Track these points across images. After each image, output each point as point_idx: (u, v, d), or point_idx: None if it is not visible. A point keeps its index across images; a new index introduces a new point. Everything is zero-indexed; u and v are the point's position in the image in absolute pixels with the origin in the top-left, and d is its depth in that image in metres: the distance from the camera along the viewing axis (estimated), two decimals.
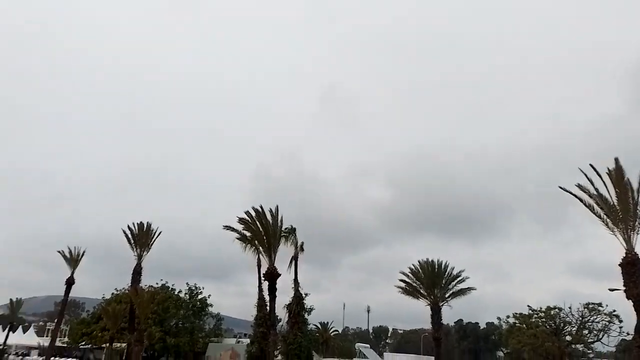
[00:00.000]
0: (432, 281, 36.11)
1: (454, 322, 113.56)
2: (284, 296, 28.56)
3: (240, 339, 51.98)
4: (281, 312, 33.36)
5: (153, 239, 35.05)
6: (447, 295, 35.93)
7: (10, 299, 58.24)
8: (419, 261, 37.08)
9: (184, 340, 46.55)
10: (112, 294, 51.26)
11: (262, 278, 28.12)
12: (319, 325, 52.61)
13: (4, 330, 63.06)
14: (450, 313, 38.01)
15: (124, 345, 37.37)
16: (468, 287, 35.50)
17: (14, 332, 59.19)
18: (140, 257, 34.11)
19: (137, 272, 33.73)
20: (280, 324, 35.32)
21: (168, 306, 47.70)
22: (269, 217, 27.29)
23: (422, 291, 36.63)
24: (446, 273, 36.09)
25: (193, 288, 51.66)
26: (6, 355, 50.78)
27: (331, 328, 56.27)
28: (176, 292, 51.42)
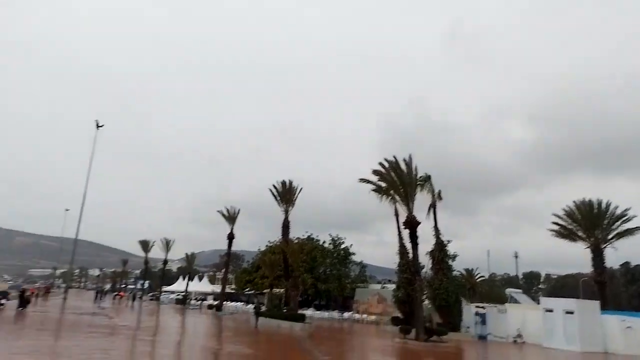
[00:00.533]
0: (591, 222, 33.08)
1: (620, 265, 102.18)
2: (424, 244, 28.58)
3: (385, 285, 53.84)
4: (424, 260, 33.63)
5: (296, 195, 37.54)
6: (610, 237, 32.81)
7: (186, 254, 68.37)
8: (574, 202, 34.12)
9: (333, 285, 49.98)
10: (266, 246, 56.80)
11: (402, 227, 28.35)
12: (464, 272, 51.82)
13: (183, 279, 74.58)
14: (615, 255, 34.49)
15: (282, 290, 41.41)
16: (636, 227, 32.09)
17: (191, 281, 69.70)
18: (286, 212, 36.93)
19: (285, 226, 36.70)
20: (424, 270, 35.65)
21: (315, 255, 51.34)
22: (403, 166, 27.09)
23: (579, 234, 33.78)
24: (608, 212, 32.75)
25: (336, 238, 54.64)
26: (188, 300, 60.10)
27: (477, 274, 55.02)
28: (321, 243, 54.95)
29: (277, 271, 38.20)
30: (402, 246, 32.36)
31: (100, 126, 50.94)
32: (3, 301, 29.71)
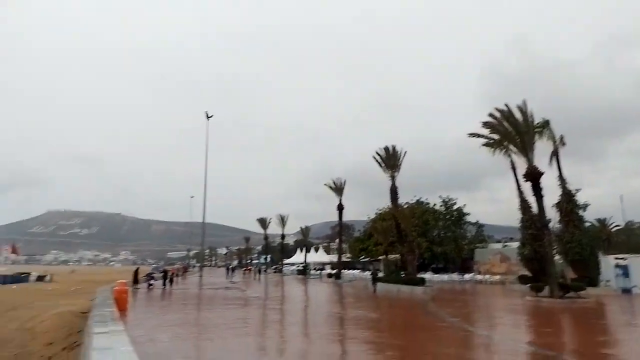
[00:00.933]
0: None
1: None
2: (547, 196, 26.16)
3: (506, 244, 51.01)
4: (549, 213, 30.96)
5: (400, 160, 36.69)
6: None
7: (301, 227, 71.30)
8: None
9: (450, 247, 48.63)
10: (375, 213, 56.90)
11: (523, 179, 26.24)
12: (596, 222, 47.06)
13: (301, 251, 78.10)
14: None
15: (397, 256, 41.29)
16: None
17: (309, 253, 72.71)
18: (393, 178, 36.34)
19: (393, 192, 36.19)
20: (551, 224, 32.89)
21: (427, 219, 50.21)
22: (517, 114, 24.87)
23: None
24: None
25: (447, 200, 52.79)
26: (308, 270, 62.82)
27: (611, 223, 49.67)
28: (431, 206, 53.53)
29: (390, 237, 38.05)
30: (523, 201, 30.09)
31: (210, 116, 54.33)
32: (152, 281, 33.54)
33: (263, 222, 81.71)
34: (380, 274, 38.20)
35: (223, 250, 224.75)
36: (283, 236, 75.88)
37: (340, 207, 48.56)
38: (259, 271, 69.48)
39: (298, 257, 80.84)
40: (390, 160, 36.63)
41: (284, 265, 77.28)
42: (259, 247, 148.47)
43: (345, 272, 50.96)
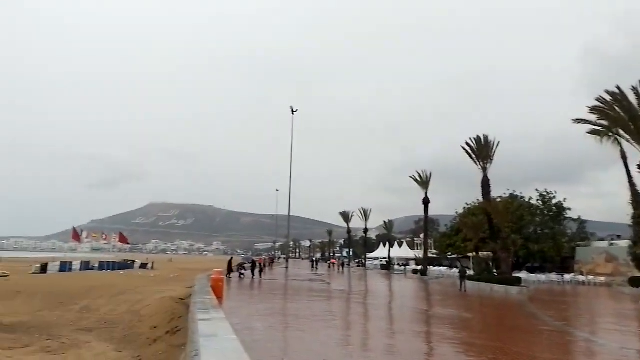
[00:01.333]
0: None
1: None
2: None
3: (612, 242, 46.34)
4: None
5: (493, 151, 34.66)
6: None
7: (384, 221, 70.57)
8: None
9: (548, 245, 45.19)
10: (464, 208, 54.51)
11: (637, 170, 23.50)
12: None
13: (384, 246, 77.30)
14: None
15: (487, 253, 39.24)
16: None
17: (392, 247, 71.73)
18: (484, 170, 34.43)
19: (485, 184, 34.29)
20: None
21: (522, 214, 47.05)
22: (632, 98, 22.28)
23: None
24: None
25: (544, 194, 49.09)
26: (392, 265, 62.02)
27: None
28: (527, 200, 50.11)
29: (481, 233, 36.17)
30: (635, 194, 27.04)
31: (295, 111, 55.46)
32: (243, 271, 35.02)
33: (346, 216, 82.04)
34: (470, 272, 36.50)
35: (307, 243, 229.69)
36: (366, 230, 75.63)
37: (426, 201, 47.15)
38: (343, 265, 69.90)
39: (381, 251, 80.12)
40: (481, 150, 34.75)
41: (367, 260, 77.05)
42: (342, 241, 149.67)
43: (431, 268, 49.50)
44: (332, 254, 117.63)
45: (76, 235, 53.83)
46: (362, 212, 73.91)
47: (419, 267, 50.24)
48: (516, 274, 33.70)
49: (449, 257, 58.43)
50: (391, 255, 68.97)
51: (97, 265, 53.00)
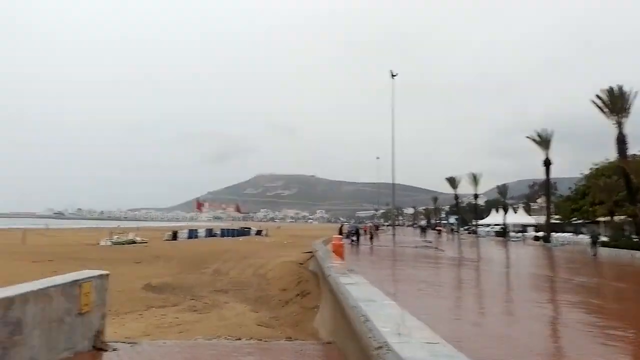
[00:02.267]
0: None
1: None
2: None
3: None
4: None
5: (630, 102, 30.34)
6: None
7: (497, 186, 66.48)
8: None
9: None
10: (590, 169, 49.25)
11: None
12: None
13: (497, 212, 73.22)
14: None
15: (622, 217, 35.19)
16: None
17: (506, 213, 67.57)
18: (619, 125, 30.38)
19: (620, 141, 30.32)
20: None
21: None
22: None
23: None
24: None
25: None
26: (507, 232, 58.47)
27: None
28: None
29: (615, 195, 32.27)
30: None
31: (395, 75, 53.66)
32: (354, 238, 35.44)
33: (452, 182, 78.86)
34: (603, 238, 33.06)
35: (409, 210, 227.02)
36: (476, 196, 72.07)
37: (548, 163, 43.12)
38: (452, 231, 67.74)
39: (493, 217, 75.97)
40: (615, 103, 30.66)
41: (478, 226, 73.71)
42: (447, 207, 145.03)
43: (554, 235, 45.72)
44: (438, 221, 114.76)
45: (199, 205, 58.65)
46: (472, 177, 70.33)
47: (541, 234, 46.71)
48: None
49: (573, 222, 53.52)
50: (507, 221, 65.06)
51: (219, 232, 57.62)
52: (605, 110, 31.63)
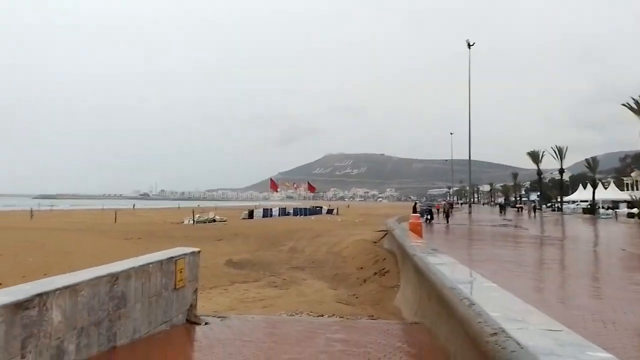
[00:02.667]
0: None
1: None
2: None
3: None
4: None
5: None
6: None
7: (586, 159, 61.57)
8: None
9: None
10: None
11: None
12: None
13: (584, 187, 68.10)
14: None
15: None
16: None
17: (595, 188, 62.55)
18: None
19: None
20: None
21: None
22: None
23: None
24: None
25: None
26: (597, 208, 54.21)
27: None
28: None
29: None
30: None
31: (472, 45, 50.97)
32: (429, 216, 34.59)
33: (535, 156, 74.16)
34: None
35: (486, 187, 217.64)
36: (562, 170, 67.32)
37: None
38: (534, 209, 64.02)
39: (580, 193, 70.75)
40: None
41: (564, 203, 69.06)
42: (527, 184, 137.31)
43: None
44: (518, 198, 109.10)
45: (274, 185, 60.20)
46: (556, 150, 65.66)
47: (636, 210, 42.68)
48: None
49: None
50: (597, 197, 60.30)
51: (291, 211, 58.91)
52: None
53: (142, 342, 5.62)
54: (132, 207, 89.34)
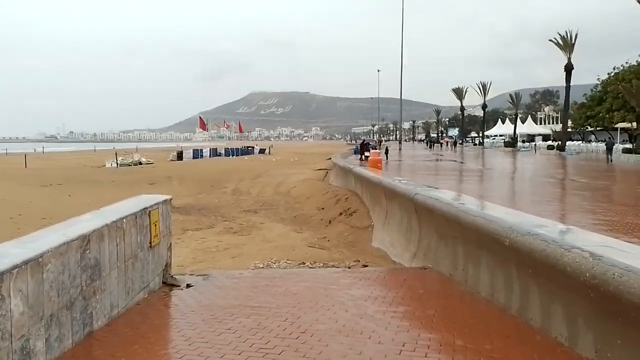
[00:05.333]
0: None
1: None
2: None
3: None
4: None
5: None
6: None
7: (510, 94, 64.41)
8: None
9: None
10: (609, 74, 47.22)
11: None
12: None
13: (502, 122, 71.97)
14: None
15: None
16: None
17: (515, 123, 65.91)
18: None
19: None
20: None
21: None
22: None
23: None
24: None
25: None
26: (517, 142, 57.39)
27: None
28: None
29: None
30: None
31: None
32: (367, 153, 34.32)
33: (459, 92, 76.64)
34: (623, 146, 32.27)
35: (405, 125, 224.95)
36: (485, 106, 70.23)
37: (569, 67, 40.87)
38: (455, 143, 67.06)
39: (498, 128, 74.92)
40: None
41: (486, 138, 72.86)
42: (446, 120, 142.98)
43: (568, 143, 44.80)
44: (441, 134, 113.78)
45: (203, 124, 56.93)
46: (481, 86, 67.97)
47: (555, 143, 45.83)
48: None
49: (587, 130, 52.39)
50: (511, 131, 63.96)
51: (223, 152, 56.42)
52: None
53: (121, 320, 4.31)
54: (41, 150, 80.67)
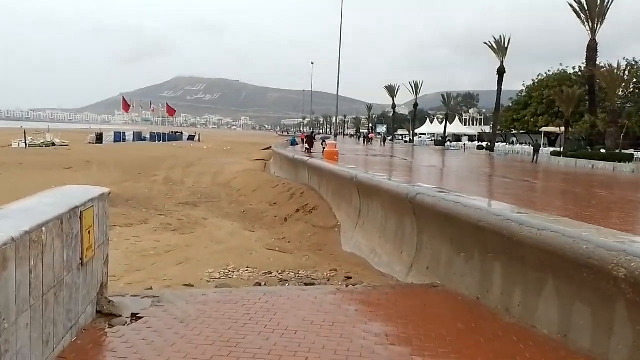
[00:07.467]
0: None
1: None
2: None
3: None
4: None
5: (607, 6, 29.16)
6: None
7: (442, 95, 66.17)
8: None
9: None
10: (533, 80, 49.82)
11: None
12: None
13: (431, 122, 74.12)
14: None
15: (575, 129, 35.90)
16: None
17: (445, 123, 68.03)
18: (594, 32, 29.45)
19: (592, 49, 29.62)
20: None
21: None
22: None
23: None
24: None
25: None
26: (447, 141, 59.18)
27: None
28: None
29: (573, 106, 32.27)
30: None
31: None
32: (298, 146, 33.09)
33: (392, 90, 77.76)
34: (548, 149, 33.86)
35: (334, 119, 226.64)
36: (416, 105, 71.73)
37: (502, 71, 42.34)
38: (384, 140, 68.00)
39: (427, 127, 77.19)
40: (593, 7, 29.35)
41: (417, 136, 74.64)
42: (375, 117, 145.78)
43: (498, 144, 46.58)
44: (371, 130, 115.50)
45: (126, 105, 52.26)
46: (413, 85, 69.33)
47: (485, 143, 47.47)
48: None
49: (511, 133, 55.05)
50: (438, 131, 65.96)
51: (148, 136, 52.19)
52: (583, 16, 30.25)
53: None
54: None
